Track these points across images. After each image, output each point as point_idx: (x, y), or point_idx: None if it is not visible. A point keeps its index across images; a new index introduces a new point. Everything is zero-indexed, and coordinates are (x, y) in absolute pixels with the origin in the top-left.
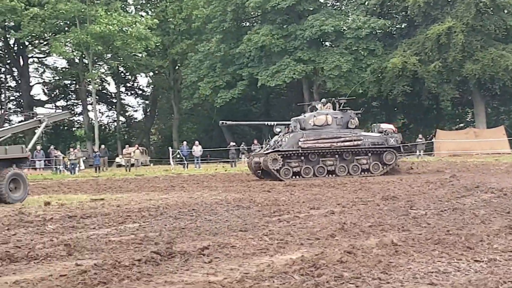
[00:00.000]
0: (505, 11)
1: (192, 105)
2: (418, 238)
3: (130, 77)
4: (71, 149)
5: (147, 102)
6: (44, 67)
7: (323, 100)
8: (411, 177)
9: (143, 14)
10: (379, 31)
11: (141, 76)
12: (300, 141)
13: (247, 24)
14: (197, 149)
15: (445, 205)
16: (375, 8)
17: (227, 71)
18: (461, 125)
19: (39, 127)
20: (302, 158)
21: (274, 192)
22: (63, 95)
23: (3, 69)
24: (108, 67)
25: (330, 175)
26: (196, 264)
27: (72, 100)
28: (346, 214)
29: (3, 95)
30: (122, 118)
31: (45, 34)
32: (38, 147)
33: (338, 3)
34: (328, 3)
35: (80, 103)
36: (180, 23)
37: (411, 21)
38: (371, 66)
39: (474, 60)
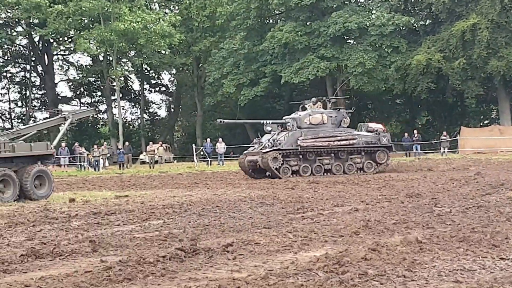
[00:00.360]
0: None
1: (215, 102)
2: (443, 235)
3: (154, 74)
4: (95, 146)
5: (170, 99)
6: (69, 64)
7: (313, 99)
8: (436, 174)
9: (167, 11)
10: (403, 28)
11: (164, 73)
12: (299, 139)
13: (271, 21)
14: (221, 146)
15: (470, 202)
16: (399, 5)
17: (251, 69)
18: (486, 122)
19: (63, 124)
20: (300, 156)
21: (297, 189)
22: (87, 93)
23: (28, 67)
24: (132, 65)
25: (326, 174)
26: (220, 261)
27: (97, 97)
28: (370, 211)
29: (28, 93)
30: (146, 115)
31: (70, 32)
32: (63, 144)
33: (362, 0)
34: (352, 0)
35: (104, 100)
36: (203, 20)
37: (435, 18)
38: (395, 63)
39: (499, 57)
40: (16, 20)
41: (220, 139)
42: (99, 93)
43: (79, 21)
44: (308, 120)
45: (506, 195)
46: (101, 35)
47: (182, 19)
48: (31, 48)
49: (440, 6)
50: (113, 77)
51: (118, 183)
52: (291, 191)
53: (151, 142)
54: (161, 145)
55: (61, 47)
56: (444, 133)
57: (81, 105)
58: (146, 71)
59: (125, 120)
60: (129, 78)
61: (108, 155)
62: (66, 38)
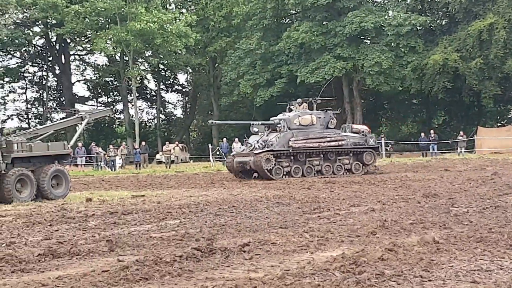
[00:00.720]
0: None
1: (231, 102)
2: (460, 236)
3: (170, 74)
4: (111, 146)
5: (186, 99)
6: (85, 64)
7: (299, 100)
8: (452, 174)
9: (183, 11)
10: (420, 28)
11: (180, 73)
12: (291, 140)
13: (287, 21)
14: (237, 146)
15: (487, 202)
16: (415, 5)
17: (267, 69)
18: (503, 122)
19: (80, 124)
20: (292, 157)
21: (313, 189)
22: (104, 93)
23: (45, 67)
24: (148, 65)
25: (316, 175)
26: (237, 260)
27: (113, 97)
28: (387, 211)
29: (45, 93)
30: (162, 115)
31: (87, 32)
32: (80, 144)
33: (378, 0)
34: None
35: (121, 100)
36: (220, 20)
37: (452, 18)
38: (411, 63)
39: None
40: (33, 20)
41: (237, 139)
42: (115, 93)
43: (96, 21)
44: (298, 121)
45: None
46: (117, 35)
47: (198, 19)
48: (48, 48)
49: (457, 6)
50: (130, 77)
51: (135, 183)
52: (307, 191)
53: (167, 142)
54: (177, 145)
55: (78, 47)
56: (461, 133)
57: (98, 105)
58: (162, 71)
59: (141, 120)
60: (145, 78)
61: (126, 154)
62: (83, 38)
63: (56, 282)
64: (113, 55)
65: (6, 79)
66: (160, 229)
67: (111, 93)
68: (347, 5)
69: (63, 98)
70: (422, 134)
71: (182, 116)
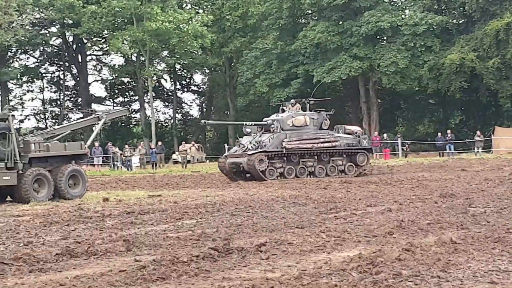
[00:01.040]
0: None
1: (247, 101)
2: (477, 236)
3: (186, 74)
4: (126, 146)
5: (202, 98)
6: (102, 64)
7: (292, 101)
8: (469, 174)
9: (199, 11)
10: (436, 27)
11: (196, 72)
12: (284, 141)
13: (303, 21)
14: None
15: (504, 203)
16: (432, 4)
17: (283, 68)
18: None
19: (97, 124)
20: (285, 158)
21: (330, 189)
22: (120, 93)
23: (62, 67)
24: (165, 65)
25: (310, 176)
26: (254, 260)
27: (129, 97)
28: (404, 211)
29: (62, 93)
30: (178, 115)
31: (103, 32)
32: (96, 144)
33: None
34: None
35: (137, 100)
36: (236, 20)
37: (469, 17)
38: (428, 63)
39: None
40: (50, 20)
41: None
42: (131, 93)
43: (112, 21)
44: (291, 122)
45: None
46: (134, 35)
47: (214, 19)
48: (65, 48)
49: (474, 5)
50: (146, 77)
51: (151, 183)
52: (323, 191)
53: (183, 142)
54: (193, 145)
55: (95, 47)
56: (478, 132)
57: (114, 105)
58: (178, 71)
59: (157, 119)
60: (162, 78)
61: (144, 153)
62: (99, 38)
63: (73, 282)
64: (129, 55)
65: (24, 79)
66: (177, 229)
67: (127, 93)
68: (364, 4)
69: (80, 98)
70: (439, 134)
71: (198, 116)
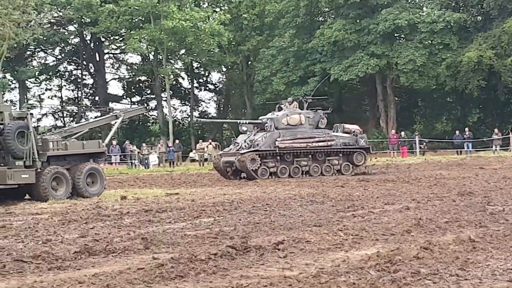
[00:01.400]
0: None
1: (264, 100)
2: (496, 234)
3: (203, 72)
4: (144, 144)
5: (220, 97)
6: (119, 63)
7: (289, 99)
8: (488, 172)
9: (217, 10)
10: (454, 25)
11: (214, 70)
12: (277, 140)
13: (320, 18)
14: None
15: None
16: (449, 2)
17: (300, 66)
18: None
19: (115, 122)
20: (278, 158)
21: (347, 187)
22: (137, 91)
23: (80, 66)
24: (182, 63)
25: (304, 176)
26: (271, 258)
27: (147, 96)
28: (422, 209)
29: (80, 91)
30: (195, 113)
31: (121, 30)
32: (114, 142)
33: None
34: None
35: (155, 98)
36: (253, 18)
37: (487, 14)
38: (446, 60)
39: None
40: (68, 19)
41: None
42: (149, 91)
43: (129, 20)
44: (286, 121)
45: None
46: (151, 34)
47: (231, 18)
48: (82, 47)
49: (492, 3)
50: (163, 75)
51: (169, 181)
52: (341, 189)
53: (200, 140)
54: (210, 143)
55: (112, 46)
56: (496, 130)
57: (132, 103)
58: (196, 69)
59: (175, 118)
60: (179, 76)
61: (161, 152)
62: (117, 37)
63: (92, 280)
64: (147, 54)
65: (42, 77)
66: (195, 227)
67: (144, 92)
68: (381, 2)
69: (98, 96)
70: (457, 132)
71: (215, 114)
